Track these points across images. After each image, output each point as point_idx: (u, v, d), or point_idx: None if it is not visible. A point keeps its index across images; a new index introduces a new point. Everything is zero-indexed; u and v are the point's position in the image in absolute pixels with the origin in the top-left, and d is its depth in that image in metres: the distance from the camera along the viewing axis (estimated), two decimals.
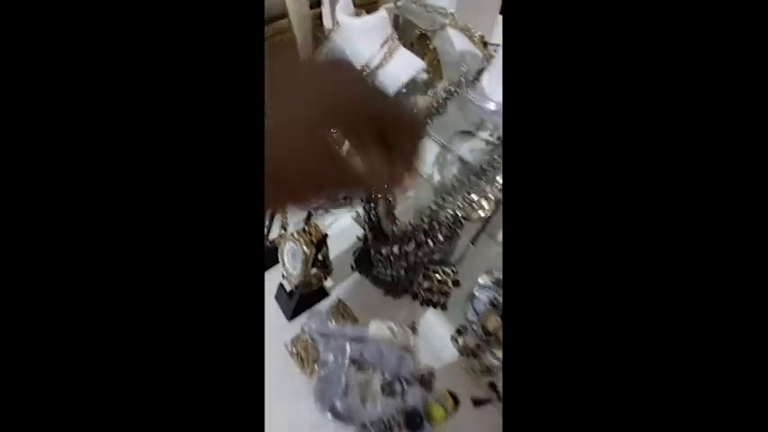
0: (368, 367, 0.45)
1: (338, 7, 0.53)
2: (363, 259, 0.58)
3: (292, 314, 0.55)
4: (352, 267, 0.60)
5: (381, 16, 0.51)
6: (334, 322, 0.51)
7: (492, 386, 0.50)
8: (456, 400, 0.44)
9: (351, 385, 0.44)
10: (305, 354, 0.48)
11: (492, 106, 0.47)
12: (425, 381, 0.44)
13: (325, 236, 0.51)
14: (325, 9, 0.71)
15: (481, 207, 0.45)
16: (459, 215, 0.46)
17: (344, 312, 0.54)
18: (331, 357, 0.44)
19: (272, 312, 0.56)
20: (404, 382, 0.43)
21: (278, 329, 0.54)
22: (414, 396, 0.43)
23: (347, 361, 0.44)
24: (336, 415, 0.44)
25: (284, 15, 0.77)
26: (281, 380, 0.49)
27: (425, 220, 0.48)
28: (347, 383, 0.44)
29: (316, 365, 0.47)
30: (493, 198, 0.45)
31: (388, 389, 0.43)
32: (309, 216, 0.61)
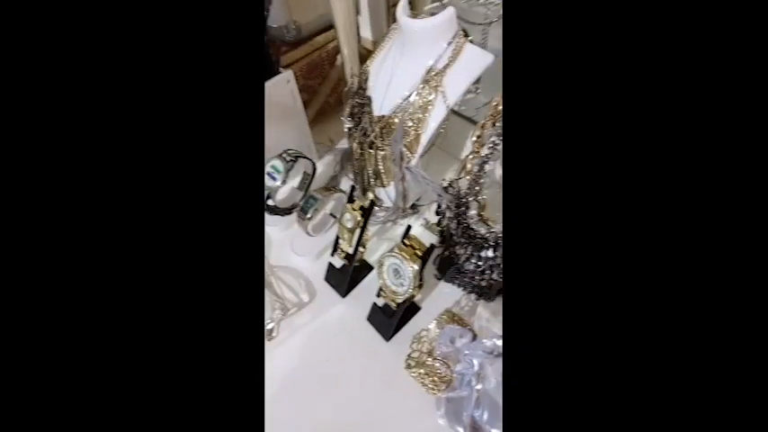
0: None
1: (399, 10, 0.50)
2: (447, 266, 0.57)
3: (392, 333, 0.54)
4: (437, 277, 0.59)
5: (449, 14, 0.49)
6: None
7: None
8: None
9: (481, 398, 0.43)
10: (435, 376, 0.47)
11: None
12: None
13: (432, 246, 0.49)
14: (364, 18, 0.68)
15: None
16: None
17: (461, 322, 0.53)
18: (461, 373, 0.44)
19: (368, 335, 0.56)
20: None
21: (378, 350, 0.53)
22: None
23: (475, 375, 0.43)
24: (473, 428, 0.43)
25: (321, 31, 0.74)
26: (398, 400, 0.49)
27: None
28: (477, 397, 0.43)
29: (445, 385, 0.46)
30: None
31: None
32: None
